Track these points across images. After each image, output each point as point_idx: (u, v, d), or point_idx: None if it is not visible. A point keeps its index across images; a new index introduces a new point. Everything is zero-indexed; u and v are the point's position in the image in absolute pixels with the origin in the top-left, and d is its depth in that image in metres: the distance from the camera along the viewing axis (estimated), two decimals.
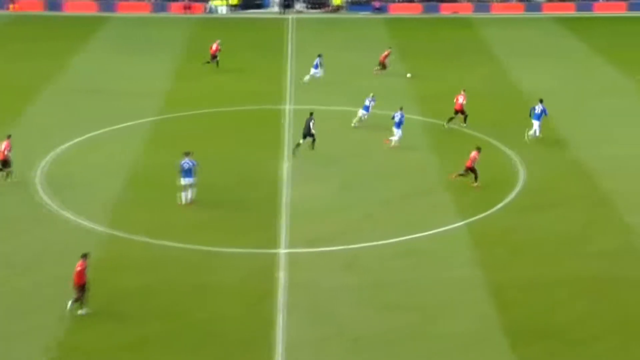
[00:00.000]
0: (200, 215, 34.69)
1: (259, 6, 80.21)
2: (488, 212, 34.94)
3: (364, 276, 30.00)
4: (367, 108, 45.27)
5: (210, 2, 78.58)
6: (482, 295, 28.70)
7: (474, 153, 37.49)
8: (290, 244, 32.19)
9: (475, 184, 37.25)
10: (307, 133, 40.68)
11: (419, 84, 53.31)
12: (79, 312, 27.01)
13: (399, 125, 41.87)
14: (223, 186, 37.31)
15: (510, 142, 42.46)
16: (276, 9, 79.46)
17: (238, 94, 51.33)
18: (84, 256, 27.40)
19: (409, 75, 54.77)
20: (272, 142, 42.70)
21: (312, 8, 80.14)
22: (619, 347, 25.96)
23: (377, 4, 78.99)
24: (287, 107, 48.51)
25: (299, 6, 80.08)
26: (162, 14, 76.76)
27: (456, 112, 44.89)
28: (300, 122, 44.85)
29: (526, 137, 42.89)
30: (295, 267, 30.49)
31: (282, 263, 30.76)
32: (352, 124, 45.16)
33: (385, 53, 56.62)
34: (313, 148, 40.86)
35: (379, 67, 56.05)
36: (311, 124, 40.64)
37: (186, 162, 35.55)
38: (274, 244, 32.23)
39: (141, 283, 29.14)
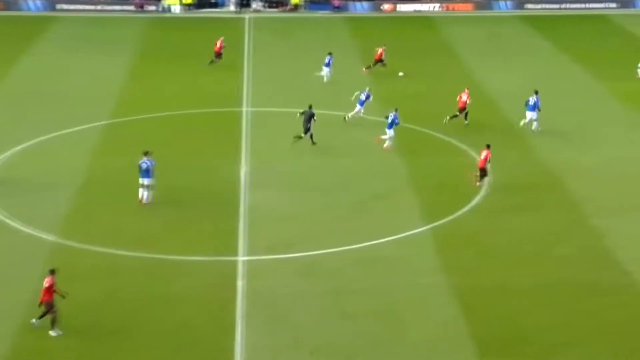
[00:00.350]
0: (156, 222, 34.66)
1: (214, 5, 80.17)
2: (454, 216, 35.27)
3: (324, 283, 30.13)
4: (362, 103, 46.15)
5: (163, 1, 78.39)
6: (447, 301, 28.96)
7: (485, 152, 38.05)
8: (250, 251, 32.26)
9: (479, 184, 37.81)
10: (308, 128, 42.09)
11: (384, 85, 53.63)
12: (50, 332, 26.66)
13: (391, 125, 42.28)
14: (179, 192, 37.28)
15: (477, 144, 42.86)
16: (232, 8, 79.49)
17: (194, 97, 51.31)
18: (52, 272, 27.00)
19: (401, 73, 55.14)
20: (230, 145, 42.77)
21: (269, 7, 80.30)
22: (591, 356, 26.22)
23: (336, 3, 79.34)
24: (245, 110, 48.60)
25: (256, 5, 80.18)
26: (113, 14, 76.44)
27: (460, 110, 45.76)
28: (258, 124, 45.10)
29: (522, 124, 45.01)
30: (255, 275, 30.56)
31: (242, 271, 30.83)
32: (345, 118, 45.93)
33: (380, 51, 56.92)
34: (313, 143, 42.21)
35: (372, 66, 56.49)
36: (312, 118, 42.14)
37: (144, 162, 35.71)
38: (233, 251, 32.29)
39: (96, 295, 28.99)
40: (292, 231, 34.03)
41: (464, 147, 42.80)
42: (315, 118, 42.53)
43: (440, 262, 31.60)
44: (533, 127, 44.95)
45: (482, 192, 37.46)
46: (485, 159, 38.08)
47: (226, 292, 29.33)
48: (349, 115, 46.30)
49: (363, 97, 46.41)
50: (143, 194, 35.86)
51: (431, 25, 73.34)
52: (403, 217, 35.30)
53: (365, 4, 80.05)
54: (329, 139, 43.65)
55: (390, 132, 42.35)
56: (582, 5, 79.76)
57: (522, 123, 45.46)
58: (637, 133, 45.50)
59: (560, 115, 47.64)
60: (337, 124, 45.98)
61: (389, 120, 42.39)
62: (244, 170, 39.65)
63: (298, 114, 43.22)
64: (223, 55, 57.74)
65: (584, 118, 47.74)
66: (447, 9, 79.79)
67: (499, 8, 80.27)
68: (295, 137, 42.57)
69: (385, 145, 42.32)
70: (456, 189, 37.95)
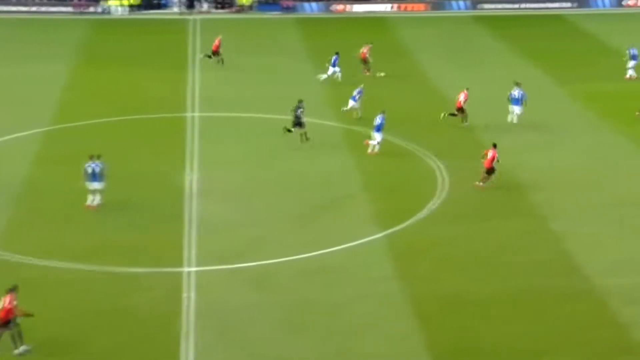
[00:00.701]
0: (101, 233, 34.42)
1: (159, 6, 79.85)
2: (409, 223, 35.42)
3: (276, 295, 30.13)
4: (354, 98, 47.37)
5: (103, 2, 77.82)
6: (403, 312, 29.02)
7: (492, 152, 38.51)
8: (198, 262, 32.15)
9: (480, 184, 38.41)
10: (297, 122, 43.05)
11: (336, 89, 53.83)
12: (16, 351, 26.27)
13: (379, 129, 42.47)
14: (124, 201, 37.06)
15: (433, 148, 43.27)
16: (180, 9, 79.18)
17: (138, 102, 51.03)
18: (12, 289, 26.55)
19: (382, 74, 55.39)
20: (176, 152, 42.64)
21: (217, 8, 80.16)
22: None
23: (286, 3, 79.46)
24: (191, 115, 48.48)
25: (203, 6, 79.99)
26: (50, 16, 75.73)
27: (458, 110, 46.48)
28: (206, 130, 45.01)
29: (509, 120, 46.68)
30: (204, 287, 30.46)
31: (190, 282, 30.72)
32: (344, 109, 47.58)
33: (365, 49, 57.11)
34: (307, 139, 43.20)
35: (365, 66, 56.85)
36: (299, 112, 43.14)
37: (89, 166, 35.83)
38: (181, 262, 32.16)
39: (37, 311, 28.17)
40: (241, 240, 33.97)
41: (420, 151, 43.08)
42: (301, 111, 43.52)
43: (395, 271, 31.69)
44: (509, 118, 46.45)
45: (438, 199, 37.76)
46: (492, 158, 38.53)
47: (174, 306, 29.17)
48: (345, 109, 47.60)
49: (355, 92, 47.51)
50: (93, 199, 35.86)
51: (385, 26, 73.72)
52: (357, 224, 35.40)
53: (315, 4, 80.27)
54: (280, 144, 43.74)
55: (378, 136, 42.55)
56: (539, 5, 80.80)
57: (509, 119, 46.72)
58: (595, 136, 46.11)
59: (520, 118, 48.16)
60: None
61: (376, 123, 42.60)
62: (191, 178, 39.53)
63: (291, 109, 43.93)
64: (222, 54, 58.06)
65: (542, 121, 48.26)
66: (401, 9, 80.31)
67: (454, 8, 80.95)
68: (284, 128, 43.44)
69: (373, 149, 42.52)
70: (412, 195, 38.16)
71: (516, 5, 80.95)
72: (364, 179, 39.86)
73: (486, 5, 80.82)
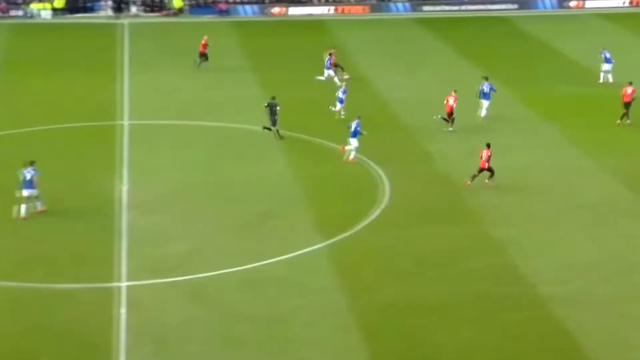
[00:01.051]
0: (30, 247, 33.93)
1: (85, 10, 79.05)
2: (351, 231, 35.44)
3: (213, 309, 29.87)
4: (340, 100, 48.52)
5: (25, 6, 76.82)
6: (347, 324, 28.90)
7: (485, 152, 39.16)
8: (131, 276, 31.79)
9: (469, 183, 39.15)
10: (273, 120, 45.42)
11: (271, 94, 53.68)
12: None
13: (354, 134, 42.51)
14: (54, 213, 36.56)
15: (373, 153, 43.44)
16: (108, 12, 78.58)
17: (68, 110, 50.47)
18: None
19: (346, 76, 55.37)
20: (109, 162, 42.22)
21: (149, 12, 79.70)
22: None
23: (222, 6, 79.28)
24: (125, 123, 48.06)
25: (134, 9, 79.46)
26: None
27: (448, 115, 47.07)
28: (139, 138, 44.71)
29: (479, 118, 48.14)
30: (137, 302, 30.12)
31: (122, 297, 30.34)
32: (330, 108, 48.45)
33: (330, 54, 57.29)
34: (280, 137, 45.24)
35: (340, 70, 56.98)
36: (277, 109, 45.16)
37: (28, 171, 35.69)
38: (112, 276, 31.77)
39: None
40: (177, 252, 33.69)
41: (361, 157, 43.21)
42: (278, 109, 45.12)
43: (338, 281, 31.63)
44: (480, 112, 48.23)
45: (380, 207, 37.83)
46: (487, 158, 39.03)
47: (105, 323, 28.76)
48: (334, 109, 48.81)
49: (340, 93, 48.86)
50: (21, 208, 35.56)
51: (324, 29, 73.96)
52: (298, 233, 35.32)
53: (253, 7, 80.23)
54: (217, 151, 43.56)
55: (354, 142, 42.59)
56: (481, 7, 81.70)
57: (479, 113, 48.37)
58: (540, 139, 46.59)
59: (460, 122, 48.53)
60: (225, 135, 45.88)
61: (352, 129, 42.63)
62: (123, 188, 39.15)
63: (264, 105, 45.22)
64: (208, 56, 58.48)
65: (486, 124, 48.73)
66: (339, 11, 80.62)
67: (395, 10, 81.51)
68: (264, 127, 44.68)
69: (349, 157, 42.58)
70: (354, 202, 38.20)
71: (456, 8, 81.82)
72: (305, 187, 39.83)
73: (427, 8, 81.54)
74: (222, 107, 50.71)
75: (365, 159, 42.86)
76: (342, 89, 49.16)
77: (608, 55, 56.65)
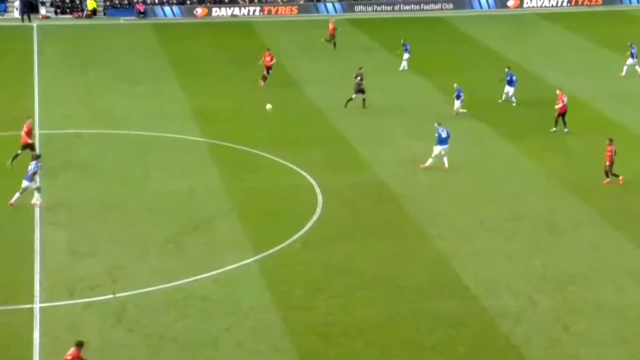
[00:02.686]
0: None
1: None
2: (283, 245, 35.34)
3: (135, 331, 29.48)
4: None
5: None
6: (280, 345, 28.74)
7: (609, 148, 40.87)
8: (46, 297, 31.31)
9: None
10: (358, 89, 50.15)
11: (197, 100, 53.76)
12: None
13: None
14: None
15: (305, 162, 43.52)
16: (16, 14, 77.54)
17: None
18: (79, 345, 25.95)
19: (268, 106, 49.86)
20: (22, 173, 41.52)
21: (61, 13, 78.88)
22: None
23: (141, 7, 78.79)
24: (37, 132, 47.40)
25: (43, 11, 78.54)
26: None
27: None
28: (54, 148, 44.26)
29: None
30: (54, 324, 29.71)
31: (37, 320, 29.85)
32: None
33: (266, 56, 57.42)
34: (365, 106, 50.62)
35: (265, 74, 57.20)
36: (359, 79, 50.30)
37: (30, 165, 37.95)
38: (27, 297, 31.24)
39: None
40: (96, 270, 33.27)
41: (291, 166, 43.26)
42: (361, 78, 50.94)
43: (269, 300, 31.50)
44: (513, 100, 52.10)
45: (312, 219, 37.81)
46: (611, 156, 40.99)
47: (18, 348, 28.27)
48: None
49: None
50: (17, 196, 37.82)
51: (251, 31, 73.96)
52: (226, 248, 35.13)
53: (174, 8, 79.89)
54: (140, 161, 43.26)
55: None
56: (416, 7, 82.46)
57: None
58: (479, 147, 46.99)
59: (398, 127, 49.00)
60: (148, 145, 45.53)
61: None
62: (36, 203, 38.58)
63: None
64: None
65: (424, 131, 49.12)
66: (268, 13, 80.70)
67: (325, 11, 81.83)
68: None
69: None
70: (286, 215, 38.18)
71: (389, 8, 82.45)
72: (235, 199, 39.68)
73: (359, 8, 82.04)
74: (141, 115, 50.35)
75: (297, 168, 42.88)
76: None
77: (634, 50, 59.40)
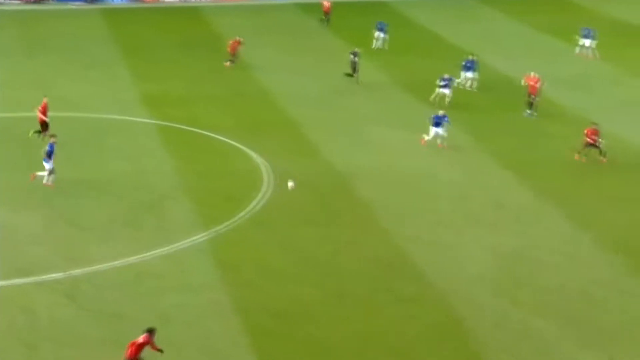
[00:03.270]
0: None
1: None
2: (232, 225, 35.29)
3: (88, 309, 29.27)
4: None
5: None
6: (230, 324, 28.59)
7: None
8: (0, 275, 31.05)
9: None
10: (353, 68, 53.14)
11: (148, 84, 53.44)
12: None
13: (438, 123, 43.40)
14: None
15: (257, 145, 43.41)
16: None
17: None
18: (150, 331, 25.70)
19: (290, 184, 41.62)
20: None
21: None
22: None
23: None
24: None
25: None
26: None
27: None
28: (5, 133, 43.87)
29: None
30: (7, 303, 29.43)
31: None
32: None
33: (233, 42, 57.37)
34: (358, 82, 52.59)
35: (230, 60, 56.99)
36: (356, 60, 53.15)
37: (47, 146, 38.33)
38: None
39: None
40: (48, 249, 33.03)
41: (242, 148, 43.14)
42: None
43: (218, 278, 31.42)
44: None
45: (263, 198, 37.79)
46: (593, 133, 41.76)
47: None
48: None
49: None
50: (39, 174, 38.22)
51: (200, 16, 73.54)
52: (176, 228, 34.99)
53: None
54: (90, 145, 42.88)
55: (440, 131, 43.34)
56: None
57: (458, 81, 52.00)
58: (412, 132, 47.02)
59: (351, 112, 49.10)
60: (100, 128, 45.19)
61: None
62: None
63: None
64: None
65: (372, 114, 49.44)
66: None
67: None
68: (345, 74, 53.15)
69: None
70: (235, 196, 38.02)
71: None
72: (186, 180, 39.52)
73: None
74: (93, 99, 49.96)
75: (248, 151, 42.81)
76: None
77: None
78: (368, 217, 36.79)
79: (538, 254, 33.90)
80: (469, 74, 53.46)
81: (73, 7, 76.49)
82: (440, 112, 44.10)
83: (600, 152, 42.13)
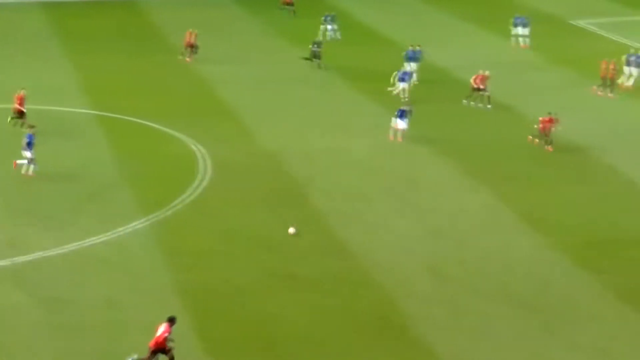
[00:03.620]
0: None
1: None
2: (172, 209, 35.67)
3: (35, 295, 29.41)
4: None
5: None
6: (174, 306, 28.74)
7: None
8: None
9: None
10: (314, 56, 54.43)
11: (86, 75, 53.48)
12: None
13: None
14: None
15: (191, 132, 43.78)
16: None
17: None
18: (171, 320, 25.76)
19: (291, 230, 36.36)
20: None
21: None
22: (324, 350, 27.04)
23: None
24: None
25: None
26: None
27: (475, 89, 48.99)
28: None
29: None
30: None
31: None
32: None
33: (190, 35, 56.94)
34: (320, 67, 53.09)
35: (188, 52, 56.65)
36: (318, 50, 54.23)
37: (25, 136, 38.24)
38: None
39: None
40: None
41: (180, 136, 43.53)
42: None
43: (161, 262, 31.78)
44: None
45: (201, 183, 38.22)
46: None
47: None
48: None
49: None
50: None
51: (138, 8, 73.30)
52: (118, 214, 35.25)
53: None
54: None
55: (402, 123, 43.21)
56: None
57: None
58: (362, 117, 47.87)
59: (282, 97, 49.75)
60: (41, 118, 45.04)
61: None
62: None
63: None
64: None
65: (302, 99, 50.12)
66: None
67: None
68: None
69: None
70: (175, 182, 38.39)
71: None
72: (124, 168, 39.78)
73: None
74: (33, 90, 49.52)
75: (186, 138, 43.18)
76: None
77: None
78: (301, 198, 37.39)
79: (461, 228, 34.99)
80: (413, 64, 53.25)
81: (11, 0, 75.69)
82: (406, 106, 44.09)
83: (547, 141, 42.97)
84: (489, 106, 48.85)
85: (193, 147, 42.29)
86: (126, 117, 46.10)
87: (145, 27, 66.85)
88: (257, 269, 31.57)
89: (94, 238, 33.31)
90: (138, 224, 34.51)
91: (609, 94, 51.78)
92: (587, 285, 31.11)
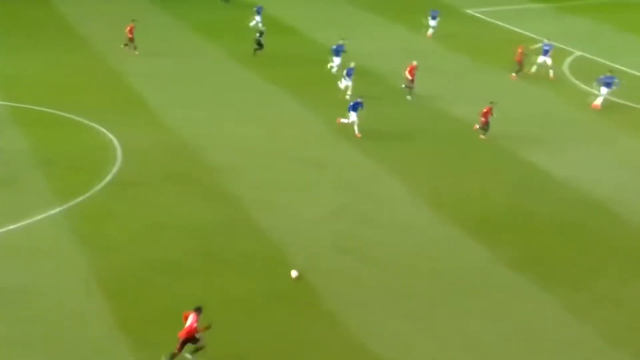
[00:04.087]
0: None
1: None
2: (87, 195, 35.71)
3: None
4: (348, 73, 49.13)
5: None
6: (88, 287, 29.02)
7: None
8: None
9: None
10: (258, 44, 55.86)
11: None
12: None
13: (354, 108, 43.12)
14: None
15: (107, 124, 43.67)
16: None
17: None
18: (198, 310, 25.53)
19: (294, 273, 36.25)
20: None
21: None
22: (244, 323, 27.49)
23: None
24: None
25: None
26: None
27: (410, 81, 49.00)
28: None
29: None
30: None
31: None
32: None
33: (129, 28, 56.46)
34: (255, 54, 54.92)
35: (128, 44, 56.17)
36: (261, 38, 55.76)
37: None
38: None
39: None
40: None
41: (93, 125, 43.54)
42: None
43: (76, 247, 31.77)
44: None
45: (116, 170, 38.29)
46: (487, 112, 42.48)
47: None
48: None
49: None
50: None
51: (49, 4, 72.68)
52: (33, 202, 35.07)
53: None
54: None
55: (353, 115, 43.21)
56: None
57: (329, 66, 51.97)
58: (273, 105, 48.34)
59: (195, 89, 49.99)
60: None
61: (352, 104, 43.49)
62: None
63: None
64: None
65: (216, 91, 50.47)
66: None
67: None
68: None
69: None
70: (88, 169, 38.37)
71: None
72: (39, 158, 39.55)
73: None
74: None
75: (99, 127, 43.11)
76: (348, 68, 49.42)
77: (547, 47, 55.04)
78: (212, 179, 37.78)
79: (364, 208, 35.75)
80: (337, 59, 53.06)
81: None
82: (359, 99, 44.16)
83: (483, 128, 43.53)
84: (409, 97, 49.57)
85: (107, 136, 42.17)
86: (39, 108, 45.74)
87: (57, 20, 66.24)
88: (172, 251, 31.78)
89: (8, 227, 33.08)
90: (53, 212, 34.34)
91: (512, 74, 53.09)
92: (480, 256, 32.19)
